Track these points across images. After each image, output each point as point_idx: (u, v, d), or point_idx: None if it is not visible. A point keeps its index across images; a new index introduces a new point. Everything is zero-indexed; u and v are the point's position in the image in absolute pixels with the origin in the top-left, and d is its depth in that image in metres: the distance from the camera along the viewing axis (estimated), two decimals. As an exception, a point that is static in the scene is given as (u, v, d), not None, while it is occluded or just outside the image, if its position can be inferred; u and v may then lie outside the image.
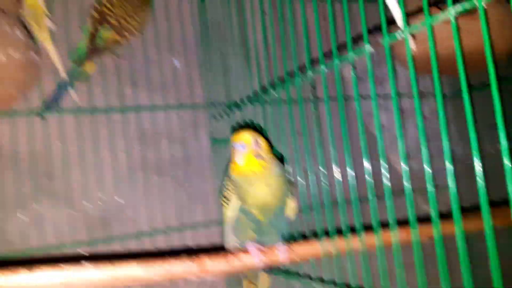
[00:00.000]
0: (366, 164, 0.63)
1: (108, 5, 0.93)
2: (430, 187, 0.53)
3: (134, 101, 1.05)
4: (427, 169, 0.54)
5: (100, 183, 1.00)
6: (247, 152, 0.72)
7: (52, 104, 0.93)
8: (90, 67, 0.95)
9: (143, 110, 1.05)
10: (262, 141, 0.75)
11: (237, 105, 0.98)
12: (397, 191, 0.67)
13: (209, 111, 1.12)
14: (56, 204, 0.97)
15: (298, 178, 0.80)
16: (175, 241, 1.06)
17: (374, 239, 0.63)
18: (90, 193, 1.00)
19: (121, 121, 1.04)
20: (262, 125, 0.91)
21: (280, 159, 0.81)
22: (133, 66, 1.06)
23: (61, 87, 0.93)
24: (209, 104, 1.12)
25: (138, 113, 1.05)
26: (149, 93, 1.07)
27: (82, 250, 0.97)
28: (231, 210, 0.79)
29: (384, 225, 0.63)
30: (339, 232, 0.69)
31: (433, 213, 0.52)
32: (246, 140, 0.73)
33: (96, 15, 0.93)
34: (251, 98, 0.90)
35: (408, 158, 1.28)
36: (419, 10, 0.78)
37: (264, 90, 0.86)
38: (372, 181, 0.63)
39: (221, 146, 1.09)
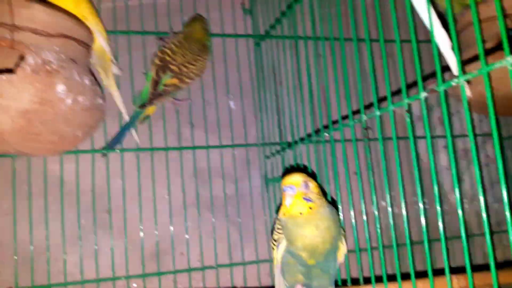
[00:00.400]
0: (422, 205, 0.61)
1: (170, 54, 0.99)
2: (487, 233, 0.50)
3: (191, 140, 1.10)
4: (484, 215, 0.51)
5: (155, 218, 1.04)
6: (296, 194, 0.72)
7: (114, 143, 0.99)
8: (151, 110, 1.01)
9: (199, 149, 1.09)
10: (312, 183, 0.75)
11: (290, 145, 0.99)
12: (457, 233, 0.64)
13: (262, 151, 1.14)
14: (112, 237, 1.01)
15: (352, 220, 0.78)
16: (225, 279, 1.07)
17: (428, 286, 0.60)
18: (145, 227, 1.03)
19: (177, 159, 1.08)
20: (314, 165, 0.91)
21: (332, 202, 0.80)
22: (191, 108, 1.11)
23: (124, 129, 0.99)
24: (262, 143, 1.14)
25: (194, 152, 1.10)
26: (205, 132, 1.11)
27: (135, 283, 1.00)
28: (280, 252, 0.78)
29: (440, 271, 0.60)
30: (392, 277, 0.66)
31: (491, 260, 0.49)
32: (295, 183, 0.73)
33: (158, 62, 0.99)
34: (304, 138, 0.91)
35: (473, 199, 1.24)
36: (475, 58, 0.76)
37: (317, 131, 0.87)
38: (424, 223, 0.60)
39: (273, 185, 1.10)
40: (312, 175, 0.87)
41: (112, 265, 0.99)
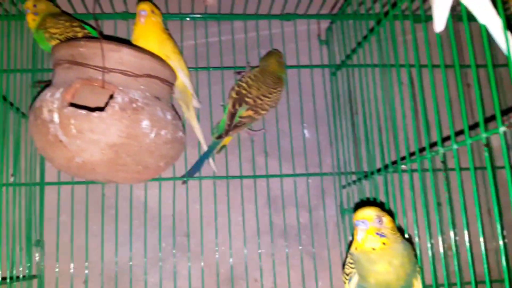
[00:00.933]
0: (501, 242, 0.57)
1: (246, 87, 1.03)
2: None
3: (265, 169, 1.12)
4: None
5: (230, 243, 1.07)
6: (368, 229, 0.71)
7: (193, 171, 1.04)
8: (227, 140, 1.06)
9: (273, 177, 1.11)
10: (386, 218, 0.73)
11: (366, 176, 0.97)
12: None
13: (338, 180, 1.13)
14: (190, 260, 1.06)
15: (429, 255, 0.74)
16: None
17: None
18: (220, 251, 1.07)
19: (252, 187, 1.11)
20: (391, 196, 0.88)
21: (408, 239, 0.77)
22: (265, 137, 1.14)
23: (202, 158, 1.05)
24: (338, 173, 1.13)
25: (267, 180, 1.11)
26: (279, 161, 1.12)
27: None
28: (352, 288, 0.77)
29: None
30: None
31: None
32: (367, 217, 0.72)
33: (235, 96, 1.03)
34: (381, 169, 0.89)
35: None
36: None
37: (394, 162, 0.85)
38: None
39: (349, 215, 1.08)
40: (389, 210, 0.85)
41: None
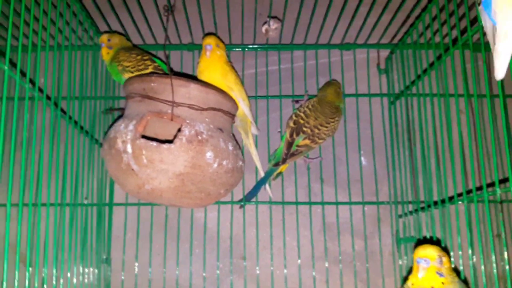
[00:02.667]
0: None
1: (304, 117, 1.05)
2: None
3: (321, 196, 1.13)
4: None
5: (285, 267, 1.08)
6: (429, 267, 0.73)
7: (250, 196, 1.08)
8: (283, 167, 1.08)
9: (328, 204, 1.13)
10: (445, 258, 0.74)
11: (423, 208, 0.96)
12: None
13: (394, 209, 1.13)
14: (246, 282, 1.08)
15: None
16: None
17: None
18: (275, 275, 1.09)
19: (307, 213, 1.13)
20: (447, 231, 0.87)
21: (464, 280, 0.77)
22: (321, 164, 1.15)
23: (259, 183, 1.08)
24: (395, 202, 1.12)
25: (323, 207, 1.13)
26: (335, 188, 1.13)
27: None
28: (407, 324, 0.77)
29: None
30: None
31: None
32: (430, 256, 0.74)
33: (293, 125, 1.06)
34: (438, 203, 0.89)
35: None
36: None
37: (451, 198, 0.84)
38: None
39: (405, 245, 1.07)
40: (444, 247, 0.84)
41: (244, 310, 1.07)
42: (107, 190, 1.13)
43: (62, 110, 0.86)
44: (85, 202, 1.00)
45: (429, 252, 0.74)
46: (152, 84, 0.86)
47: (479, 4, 0.65)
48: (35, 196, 1.02)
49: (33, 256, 0.98)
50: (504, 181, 1.01)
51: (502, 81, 0.67)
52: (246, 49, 1.21)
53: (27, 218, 0.70)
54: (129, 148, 0.82)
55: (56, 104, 0.83)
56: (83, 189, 0.98)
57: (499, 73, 0.60)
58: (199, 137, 0.83)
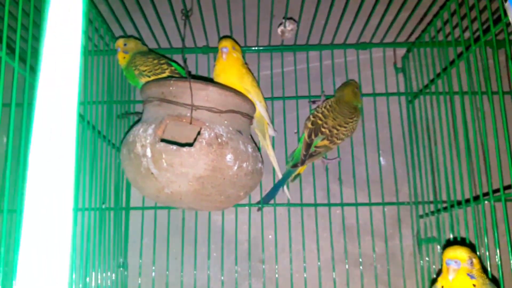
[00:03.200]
0: None
1: (322, 117, 1.04)
2: None
3: (339, 197, 1.12)
4: None
5: (304, 270, 1.07)
6: (460, 269, 0.72)
7: (268, 199, 1.06)
8: (302, 169, 1.07)
9: (347, 206, 1.11)
10: (475, 260, 0.73)
11: (445, 208, 0.95)
12: None
13: (415, 210, 1.11)
14: (265, 286, 1.07)
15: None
16: None
17: None
18: (294, 278, 1.08)
19: (326, 215, 1.11)
20: (472, 231, 0.86)
21: (494, 280, 0.75)
22: (340, 164, 1.14)
23: (277, 185, 1.06)
24: (415, 202, 1.11)
25: (342, 208, 1.11)
26: (354, 189, 1.12)
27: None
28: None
29: None
30: None
31: None
32: (461, 258, 0.72)
33: (310, 126, 1.04)
34: (462, 203, 0.87)
35: None
36: None
37: (476, 197, 0.83)
38: None
39: (427, 246, 1.06)
40: (470, 244, 0.83)
41: (264, 314, 1.06)
42: (123, 194, 1.13)
43: (80, 115, 0.86)
44: (103, 207, 1.00)
45: (459, 254, 0.72)
46: (171, 88, 0.85)
47: (505, 1, 0.64)
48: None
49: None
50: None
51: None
52: (261, 51, 1.21)
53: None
54: (148, 152, 0.82)
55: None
56: (101, 194, 0.98)
57: None
58: (219, 140, 0.83)
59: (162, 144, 0.81)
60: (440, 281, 0.74)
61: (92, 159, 0.93)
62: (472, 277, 0.71)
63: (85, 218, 0.90)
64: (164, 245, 1.10)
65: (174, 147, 0.80)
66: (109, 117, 1.06)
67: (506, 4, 0.62)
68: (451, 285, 0.72)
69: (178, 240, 1.10)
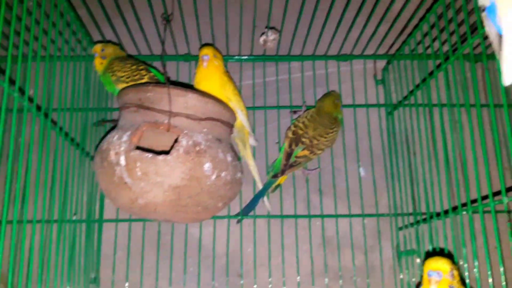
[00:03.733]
0: None
1: (302, 127, 1.03)
2: None
3: (320, 208, 1.10)
4: None
5: (284, 284, 1.04)
6: (441, 280, 0.71)
7: (248, 210, 1.03)
8: (282, 179, 1.05)
9: (328, 217, 1.09)
10: (455, 272, 0.72)
11: (425, 219, 0.95)
12: None
13: (394, 222, 1.10)
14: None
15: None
16: None
17: None
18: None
19: (306, 227, 1.08)
20: (451, 242, 0.86)
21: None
22: (320, 175, 1.12)
23: (257, 196, 1.03)
24: (395, 214, 1.09)
25: (322, 220, 1.09)
26: (334, 201, 1.10)
27: None
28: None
29: None
30: None
31: None
32: (443, 270, 0.72)
33: (291, 135, 1.03)
34: (441, 214, 0.87)
35: None
36: None
37: (454, 208, 0.83)
38: None
39: (406, 258, 1.05)
40: (448, 254, 0.83)
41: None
42: (97, 205, 1.10)
43: (52, 121, 0.83)
44: (74, 218, 0.96)
45: (441, 265, 0.72)
46: (149, 93, 0.82)
47: (482, 11, 0.64)
48: (20, 213, 0.97)
49: (15, 277, 0.93)
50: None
51: (505, 89, 0.66)
52: (244, 60, 1.19)
53: (10, 236, 0.66)
54: (122, 160, 0.78)
55: (46, 115, 0.80)
56: (71, 205, 0.94)
57: (508, 79, 0.59)
58: (197, 148, 0.80)
59: (137, 152, 0.78)
60: None
61: (62, 168, 0.89)
62: None
63: (54, 230, 0.87)
64: (139, 259, 1.05)
65: (150, 155, 0.77)
66: (85, 124, 1.03)
67: (483, 14, 0.63)
68: None
69: (153, 254, 1.06)
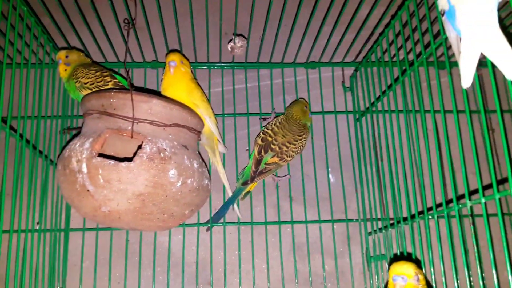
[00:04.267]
0: None
1: (272, 134, 1.01)
2: None
3: (290, 214, 1.07)
4: None
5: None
6: (406, 285, 0.70)
7: (218, 217, 1.01)
8: (252, 186, 1.02)
9: (298, 223, 1.07)
10: (421, 276, 0.71)
11: (392, 224, 0.94)
12: None
13: (363, 227, 1.09)
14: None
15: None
16: None
17: None
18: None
19: (277, 233, 1.06)
20: (418, 245, 0.85)
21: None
22: (290, 182, 1.10)
23: (227, 204, 1.01)
24: (364, 219, 1.09)
25: (292, 226, 1.07)
26: (304, 207, 1.08)
27: None
28: None
29: None
30: None
31: None
32: (407, 274, 0.71)
33: (261, 142, 1.01)
34: (408, 218, 0.86)
35: None
36: None
37: (420, 212, 0.82)
38: None
39: (376, 263, 1.04)
40: (415, 260, 0.82)
41: None
42: (63, 214, 1.05)
43: (12, 128, 0.79)
44: (37, 227, 0.91)
45: (406, 270, 0.70)
46: (111, 100, 0.79)
47: (442, 15, 0.64)
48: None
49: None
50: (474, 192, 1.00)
51: (467, 95, 0.66)
52: (212, 67, 1.17)
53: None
54: (84, 168, 0.75)
55: (5, 122, 0.76)
56: (34, 214, 0.89)
57: (466, 81, 0.58)
58: (162, 154, 0.77)
59: (99, 159, 0.74)
60: None
61: (22, 175, 0.85)
62: None
63: (14, 240, 0.82)
64: (106, 269, 1.01)
65: (112, 161, 0.74)
66: (50, 132, 0.99)
67: (444, 18, 0.62)
68: None
69: (122, 263, 1.02)
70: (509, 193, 0.54)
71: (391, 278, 0.71)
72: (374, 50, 1.02)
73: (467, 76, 0.57)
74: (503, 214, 1.07)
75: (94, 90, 0.93)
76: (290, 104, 1.11)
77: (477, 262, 0.67)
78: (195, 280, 1.03)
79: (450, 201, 0.71)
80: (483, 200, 0.60)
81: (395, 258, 0.88)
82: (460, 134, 0.67)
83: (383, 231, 0.98)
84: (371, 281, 1.04)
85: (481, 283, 0.62)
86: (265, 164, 0.99)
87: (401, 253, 0.89)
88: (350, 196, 1.12)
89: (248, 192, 1.04)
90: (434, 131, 0.76)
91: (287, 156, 1.01)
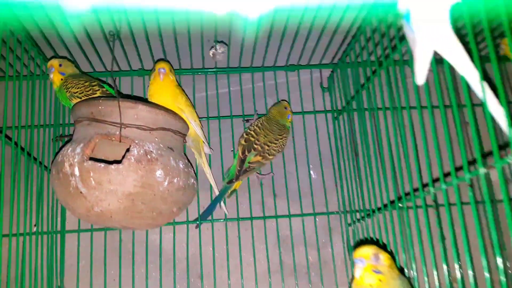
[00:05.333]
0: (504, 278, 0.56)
1: (254, 134, 1.05)
2: None
3: (274, 210, 1.12)
4: None
5: (242, 284, 1.05)
6: (365, 266, 0.73)
7: (206, 215, 1.05)
8: (237, 184, 1.06)
9: (282, 217, 1.11)
10: (382, 255, 0.74)
11: (369, 214, 0.97)
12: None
13: (344, 219, 1.13)
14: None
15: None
16: None
17: None
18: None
19: (262, 228, 1.10)
20: (391, 234, 0.88)
21: (408, 277, 0.77)
22: (273, 179, 1.14)
23: (214, 202, 1.05)
24: (344, 211, 1.12)
25: (277, 220, 1.11)
26: (287, 202, 1.12)
27: None
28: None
29: None
30: None
31: None
32: (364, 255, 0.74)
33: (244, 143, 1.05)
34: (381, 208, 0.90)
35: None
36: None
37: (392, 201, 0.85)
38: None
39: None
40: (385, 247, 0.85)
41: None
42: (58, 217, 1.07)
43: (8, 137, 0.81)
44: (34, 229, 0.93)
45: (363, 252, 0.74)
46: (100, 107, 0.82)
47: (402, 18, 0.67)
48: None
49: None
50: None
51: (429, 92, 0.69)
52: (196, 73, 1.20)
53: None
54: (76, 171, 0.78)
55: (0, 131, 0.78)
56: (31, 218, 0.91)
57: (419, 78, 0.61)
58: (148, 156, 0.80)
59: (90, 162, 0.77)
60: (353, 281, 0.76)
61: (19, 181, 0.87)
62: (377, 272, 0.72)
63: (13, 243, 0.84)
64: (102, 267, 1.04)
65: (102, 164, 0.77)
66: (42, 140, 1.01)
67: (403, 21, 0.65)
68: (359, 282, 0.74)
69: (116, 262, 1.05)
70: (464, 179, 0.58)
71: (354, 262, 0.75)
72: (348, 53, 1.06)
73: (420, 74, 0.60)
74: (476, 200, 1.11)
75: (83, 98, 0.96)
76: (271, 106, 1.14)
77: (441, 248, 0.70)
78: (186, 275, 1.06)
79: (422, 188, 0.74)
80: (443, 186, 0.64)
81: (359, 245, 0.91)
82: (424, 128, 0.70)
83: (361, 221, 1.02)
84: (352, 269, 1.07)
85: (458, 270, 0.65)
86: (249, 163, 1.03)
87: (369, 239, 0.93)
88: (331, 190, 1.15)
89: (234, 190, 1.07)
90: (410, 127, 0.79)
91: (269, 155, 1.04)
